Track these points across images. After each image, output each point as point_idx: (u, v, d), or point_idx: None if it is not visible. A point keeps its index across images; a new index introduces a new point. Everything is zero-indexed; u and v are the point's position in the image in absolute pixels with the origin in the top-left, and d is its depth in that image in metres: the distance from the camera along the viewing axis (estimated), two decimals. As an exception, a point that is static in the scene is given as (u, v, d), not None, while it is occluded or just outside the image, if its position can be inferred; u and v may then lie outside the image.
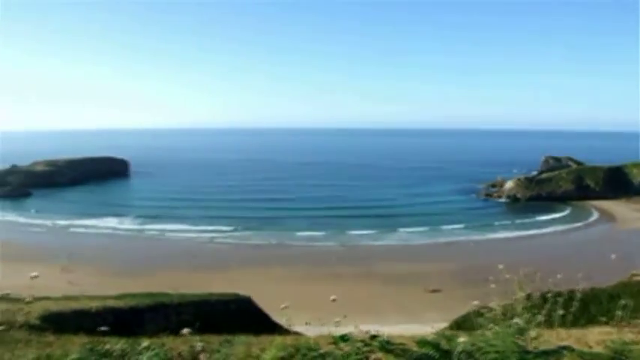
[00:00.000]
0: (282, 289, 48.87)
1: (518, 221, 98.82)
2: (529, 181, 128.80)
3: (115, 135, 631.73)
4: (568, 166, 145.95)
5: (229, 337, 4.83)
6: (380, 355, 3.25)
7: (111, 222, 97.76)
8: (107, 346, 4.15)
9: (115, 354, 3.98)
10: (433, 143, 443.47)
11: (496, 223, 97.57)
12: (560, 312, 6.18)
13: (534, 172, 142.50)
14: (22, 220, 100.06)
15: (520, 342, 3.01)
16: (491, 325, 5.78)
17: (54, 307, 24.60)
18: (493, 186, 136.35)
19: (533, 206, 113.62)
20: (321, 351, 3.55)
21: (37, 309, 21.28)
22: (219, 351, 4.11)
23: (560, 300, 6.33)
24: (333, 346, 3.58)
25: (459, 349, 2.95)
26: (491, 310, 6.11)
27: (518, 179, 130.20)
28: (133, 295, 32.57)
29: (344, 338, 3.56)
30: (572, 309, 6.36)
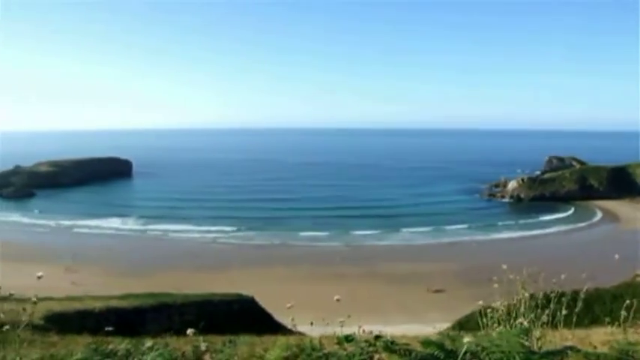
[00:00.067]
0: (286, 289, 48.83)
1: (521, 221, 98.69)
2: (532, 181, 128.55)
3: (118, 135, 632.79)
4: (571, 166, 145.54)
5: (233, 338, 4.83)
6: (384, 355, 3.25)
7: (114, 222, 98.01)
8: (111, 346, 4.16)
9: (119, 354, 3.98)
10: (434, 143, 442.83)
11: (499, 223, 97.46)
12: (564, 312, 6.15)
13: (538, 172, 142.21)
14: (25, 220, 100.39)
15: (525, 342, 3.00)
16: (495, 325, 5.78)
17: (57, 307, 24.70)
18: (496, 186, 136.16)
19: (537, 206, 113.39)
20: (325, 351, 3.55)
21: (41, 309, 21.35)
22: (222, 351, 4.11)
23: (564, 300, 6.31)
24: (337, 347, 3.58)
25: (464, 349, 2.94)
26: (494, 310, 6.09)
27: (522, 179, 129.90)
28: (136, 296, 32.67)
29: (348, 338, 3.56)
30: (576, 309, 6.33)
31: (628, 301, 6.28)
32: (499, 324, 5.80)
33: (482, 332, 5.44)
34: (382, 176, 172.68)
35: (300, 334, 15.35)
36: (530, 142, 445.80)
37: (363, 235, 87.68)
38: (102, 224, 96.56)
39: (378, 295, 54.13)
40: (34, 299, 4.67)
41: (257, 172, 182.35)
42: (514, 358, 2.79)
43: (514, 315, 5.85)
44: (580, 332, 9.20)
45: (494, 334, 3.58)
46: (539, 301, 6.09)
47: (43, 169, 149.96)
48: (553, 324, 6.03)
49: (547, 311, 5.98)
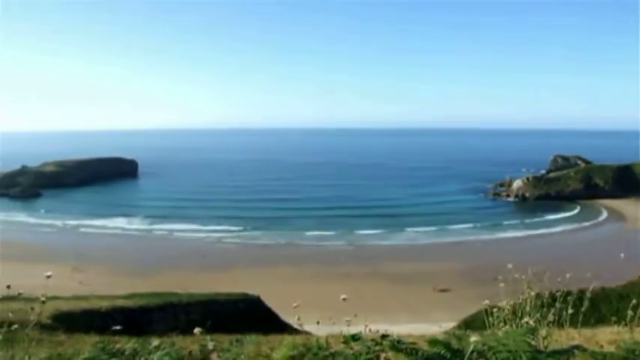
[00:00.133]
0: (291, 289, 48.91)
1: (526, 220, 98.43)
2: (537, 180, 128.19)
3: (120, 135, 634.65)
4: (576, 165, 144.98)
5: (239, 337, 4.84)
6: (391, 354, 3.26)
7: (120, 222, 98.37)
8: (118, 346, 4.18)
9: (126, 353, 3.99)
10: (435, 143, 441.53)
11: (504, 222, 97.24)
12: (570, 311, 6.15)
13: (543, 171, 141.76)
14: (32, 220, 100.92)
15: (531, 341, 3.01)
16: (501, 324, 5.78)
17: (65, 306, 24.83)
18: (501, 185, 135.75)
19: (542, 205, 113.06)
20: (332, 350, 3.56)
21: (49, 308, 21.45)
22: (229, 350, 4.12)
23: (570, 299, 6.31)
24: (343, 346, 3.59)
25: (471, 348, 2.95)
26: (500, 309, 6.09)
27: (527, 178, 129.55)
28: (143, 295, 32.81)
29: (355, 337, 3.57)
30: (583, 308, 6.32)
31: (634, 301, 6.26)
32: (505, 323, 5.80)
33: (489, 331, 5.43)
34: (385, 176, 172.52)
35: (307, 333, 15.36)
36: (530, 141, 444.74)
37: (368, 234, 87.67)
38: (108, 224, 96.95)
39: (384, 295, 54.11)
40: (43, 298, 4.70)
41: (260, 172, 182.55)
42: (521, 357, 2.80)
43: (520, 314, 5.84)
44: (586, 331, 9.17)
45: (500, 333, 3.58)
46: (545, 301, 6.09)
47: (49, 169, 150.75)
48: (559, 323, 6.02)
49: (553, 310, 5.97)
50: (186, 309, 30.21)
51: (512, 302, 6.15)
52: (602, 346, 5.79)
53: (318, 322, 7.10)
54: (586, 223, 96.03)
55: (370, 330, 6.26)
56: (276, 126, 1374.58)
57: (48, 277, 4.89)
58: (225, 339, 4.86)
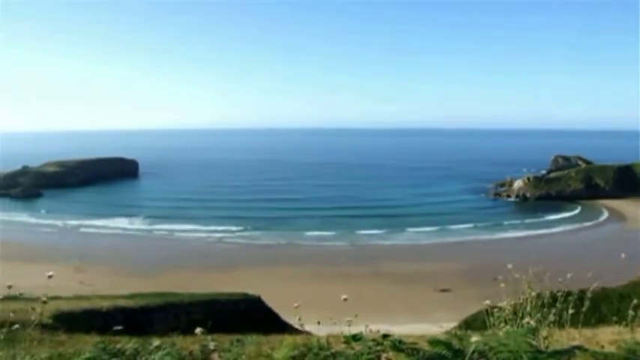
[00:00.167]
0: (292, 289, 48.92)
1: (527, 220, 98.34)
2: (538, 181, 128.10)
3: (122, 135, 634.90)
4: (577, 165, 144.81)
5: (240, 337, 4.85)
6: (392, 354, 3.26)
7: (121, 222, 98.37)
8: (119, 345, 4.18)
9: (127, 353, 4.00)
10: (436, 143, 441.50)
11: (505, 222, 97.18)
12: (571, 311, 6.14)
13: (543, 172, 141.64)
14: (33, 220, 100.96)
15: (532, 341, 3.00)
16: (502, 324, 5.77)
17: (66, 306, 24.83)
18: (502, 185, 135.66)
19: (543, 205, 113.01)
20: (333, 350, 3.56)
21: (50, 308, 21.46)
22: (230, 350, 4.12)
23: (571, 299, 6.30)
24: (344, 346, 3.59)
25: (472, 348, 2.95)
26: (501, 309, 6.08)
27: (527, 178, 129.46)
28: (143, 295, 32.80)
29: (356, 337, 3.57)
30: (583, 308, 6.32)
31: (635, 301, 6.26)
32: (506, 323, 5.80)
33: (490, 331, 5.43)
34: (385, 176, 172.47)
35: (307, 333, 15.35)
36: (530, 141, 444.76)
37: (369, 234, 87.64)
38: (109, 224, 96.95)
39: (384, 295, 54.10)
40: (45, 299, 4.71)
41: (262, 172, 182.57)
42: (522, 357, 2.80)
43: (521, 314, 5.84)
44: (587, 332, 9.16)
45: (501, 333, 3.58)
46: (545, 301, 6.09)
47: (51, 169, 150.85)
48: (560, 323, 6.02)
49: (554, 310, 5.97)
50: (187, 309, 30.21)
51: (512, 302, 6.15)
52: (603, 347, 5.79)
53: (318, 322, 7.11)
54: (587, 224, 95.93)
55: (371, 330, 6.27)
56: (277, 126, 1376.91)
57: (50, 277, 4.89)
58: (226, 339, 4.87)
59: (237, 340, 4.52)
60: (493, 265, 46.98)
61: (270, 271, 63.39)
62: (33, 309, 5.18)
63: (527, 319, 5.41)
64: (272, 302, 35.97)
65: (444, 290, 56.14)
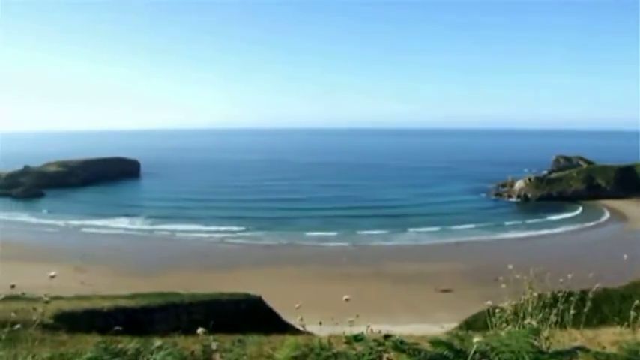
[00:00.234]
0: (294, 289, 48.89)
1: (528, 221, 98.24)
2: (539, 181, 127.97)
3: (124, 136, 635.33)
4: (579, 165, 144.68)
5: (242, 337, 4.86)
6: (393, 354, 3.26)
7: (122, 222, 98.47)
8: (120, 345, 4.18)
9: (128, 353, 4.00)
10: (436, 143, 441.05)
11: (506, 223, 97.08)
12: (572, 312, 6.15)
13: (545, 172, 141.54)
14: (34, 220, 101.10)
15: (534, 342, 3.01)
16: (503, 324, 5.77)
17: (67, 306, 24.84)
18: (503, 186, 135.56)
19: (544, 206, 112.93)
20: (334, 350, 3.56)
21: (51, 308, 21.48)
22: (231, 350, 4.12)
23: (572, 300, 6.31)
24: (346, 346, 3.58)
25: (474, 348, 2.95)
26: (502, 310, 6.09)
27: (529, 179, 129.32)
28: (145, 295, 32.79)
29: (357, 338, 3.57)
30: (585, 309, 6.31)
31: (637, 302, 6.26)
32: (507, 324, 5.80)
33: (491, 332, 5.43)
34: (387, 176, 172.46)
35: (309, 333, 15.34)
36: (531, 141, 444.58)
37: (370, 235, 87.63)
38: (110, 224, 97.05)
39: (386, 295, 54.07)
40: (46, 298, 4.71)
41: (264, 173, 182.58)
42: (523, 357, 2.80)
43: (522, 315, 5.84)
44: (588, 332, 9.16)
45: (502, 333, 3.58)
46: (546, 301, 6.09)
47: (52, 169, 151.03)
48: (561, 324, 6.03)
49: (555, 311, 5.97)
50: (188, 309, 30.20)
51: (514, 303, 6.15)
52: (604, 347, 5.79)
53: (320, 323, 7.10)
54: (588, 224, 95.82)
55: (372, 330, 6.26)
56: (278, 126, 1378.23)
57: (52, 277, 4.90)
58: (227, 339, 4.86)
59: (239, 341, 4.52)
60: (494, 265, 46.95)
61: (272, 272, 63.39)
62: (34, 309, 5.19)
63: (528, 320, 5.42)
64: (273, 302, 35.96)
65: (445, 290, 56.12)
